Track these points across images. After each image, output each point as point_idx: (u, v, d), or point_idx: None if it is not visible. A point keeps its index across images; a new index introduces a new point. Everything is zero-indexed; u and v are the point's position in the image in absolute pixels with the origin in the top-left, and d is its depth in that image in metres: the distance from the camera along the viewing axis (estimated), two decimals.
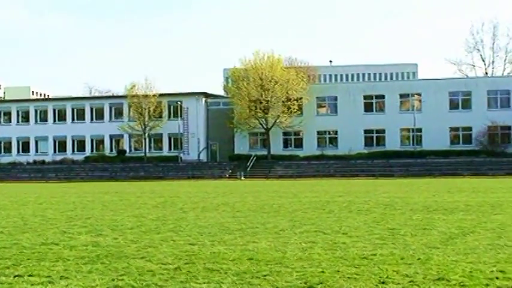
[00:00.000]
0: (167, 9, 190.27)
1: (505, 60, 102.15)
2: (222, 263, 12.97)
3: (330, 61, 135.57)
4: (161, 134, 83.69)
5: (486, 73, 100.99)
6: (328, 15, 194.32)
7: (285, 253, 14.01)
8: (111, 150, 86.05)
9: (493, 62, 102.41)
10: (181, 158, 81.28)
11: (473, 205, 26.05)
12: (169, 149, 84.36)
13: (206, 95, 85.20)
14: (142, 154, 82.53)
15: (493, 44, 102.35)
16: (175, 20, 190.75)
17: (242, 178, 70.83)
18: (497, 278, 11.08)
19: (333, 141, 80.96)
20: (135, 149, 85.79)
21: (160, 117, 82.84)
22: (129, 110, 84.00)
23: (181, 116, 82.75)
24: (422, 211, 23.68)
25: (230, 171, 75.75)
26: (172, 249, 14.92)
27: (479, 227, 18.21)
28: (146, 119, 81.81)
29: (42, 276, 11.90)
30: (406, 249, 14.25)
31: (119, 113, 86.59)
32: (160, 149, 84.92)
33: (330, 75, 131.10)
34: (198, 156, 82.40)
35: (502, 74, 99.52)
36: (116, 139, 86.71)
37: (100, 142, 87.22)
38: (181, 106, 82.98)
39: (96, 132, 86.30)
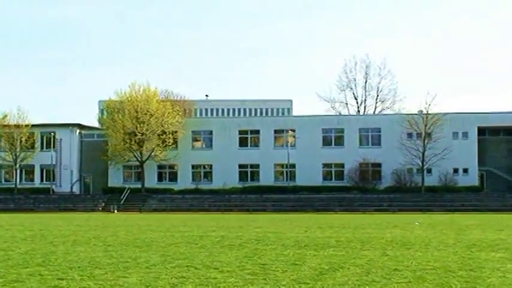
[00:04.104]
0: (41, 39, 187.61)
1: (376, 98, 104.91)
2: None
3: (206, 95, 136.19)
4: (33, 166, 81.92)
5: (358, 111, 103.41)
6: (203, 49, 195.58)
7: None
8: None
9: (365, 100, 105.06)
10: (53, 190, 79.73)
11: (344, 241, 26.45)
12: (41, 180, 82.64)
13: (80, 126, 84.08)
14: (13, 185, 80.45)
15: (365, 83, 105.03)
16: (50, 49, 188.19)
17: (115, 211, 70.01)
18: None
19: (208, 175, 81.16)
20: (6, 180, 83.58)
21: (33, 148, 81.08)
22: (0, 141, 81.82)
23: (54, 148, 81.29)
24: (294, 246, 23.87)
25: (103, 204, 74.76)
26: (40, 284, 14.53)
27: (348, 263, 18.48)
28: (18, 149, 79.97)
29: None
30: (276, 285, 14.30)
31: None
32: (32, 180, 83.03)
33: (206, 110, 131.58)
34: (71, 188, 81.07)
35: (374, 112, 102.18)
36: None
37: None
38: (54, 137, 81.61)
39: None
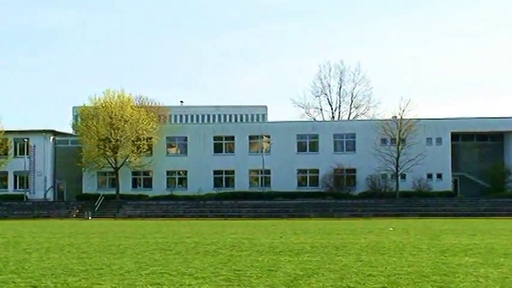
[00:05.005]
0: (13, 45, 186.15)
1: (350, 104, 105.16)
2: None
3: (181, 101, 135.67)
4: (6, 172, 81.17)
5: (333, 117, 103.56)
6: (177, 55, 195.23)
7: None
8: None
9: (339, 106, 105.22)
10: (27, 197, 79.14)
11: (318, 246, 26.52)
12: (15, 187, 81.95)
13: (54, 132, 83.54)
14: None
15: (340, 88, 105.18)
16: (23, 55, 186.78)
17: (90, 218, 69.62)
18: None
19: (183, 181, 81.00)
20: None
21: (6, 154, 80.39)
22: None
23: (27, 154, 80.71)
24: (269, 252, 23.90)
25: (77, 210, 74.31)
26: None
27: (323, 269, 18.54)
28: None
29: None
30: None
31: None
32: (5, 187, 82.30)
33: (181, 116, 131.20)
34: (45, 195, 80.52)
35: (348, 118, 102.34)
36: None
37: None
38: (28, 144, 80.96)
39: None
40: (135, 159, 77.38)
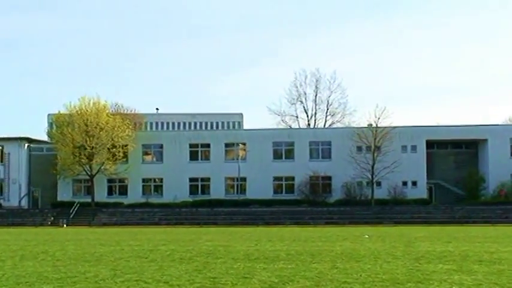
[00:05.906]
0: None
1: (326, 112, 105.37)
2: None
3: (157, 109, 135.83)
4: None
5: (309, 124, 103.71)
6: (153, 62, 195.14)
7: None
8: None
9: (315, 113, 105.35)
10: (1, 204, 78.59)
11: (294, 254, 26.52)
12: None
13: (29, 140, 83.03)
14: None
15: (316, 96, 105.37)
16: None
17: (64, 226, 69.28)
18: None
19: (158, 189, 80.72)
20: None
21: None
22: None
23: (2, 161, 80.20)
24: (244, 260, 23.88)
25: (52, 218, 73.83)
26: None
27: (298, 276, 18.54)
28: None
29: None
30: None
31: None
32: None
33: (157, 123, 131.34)
34: (19, 202, 79.98)
35: (324, 125, 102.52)
36: None
37: None
38: (2, 151, 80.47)
39: None
40: (111, 167, 77.08)
